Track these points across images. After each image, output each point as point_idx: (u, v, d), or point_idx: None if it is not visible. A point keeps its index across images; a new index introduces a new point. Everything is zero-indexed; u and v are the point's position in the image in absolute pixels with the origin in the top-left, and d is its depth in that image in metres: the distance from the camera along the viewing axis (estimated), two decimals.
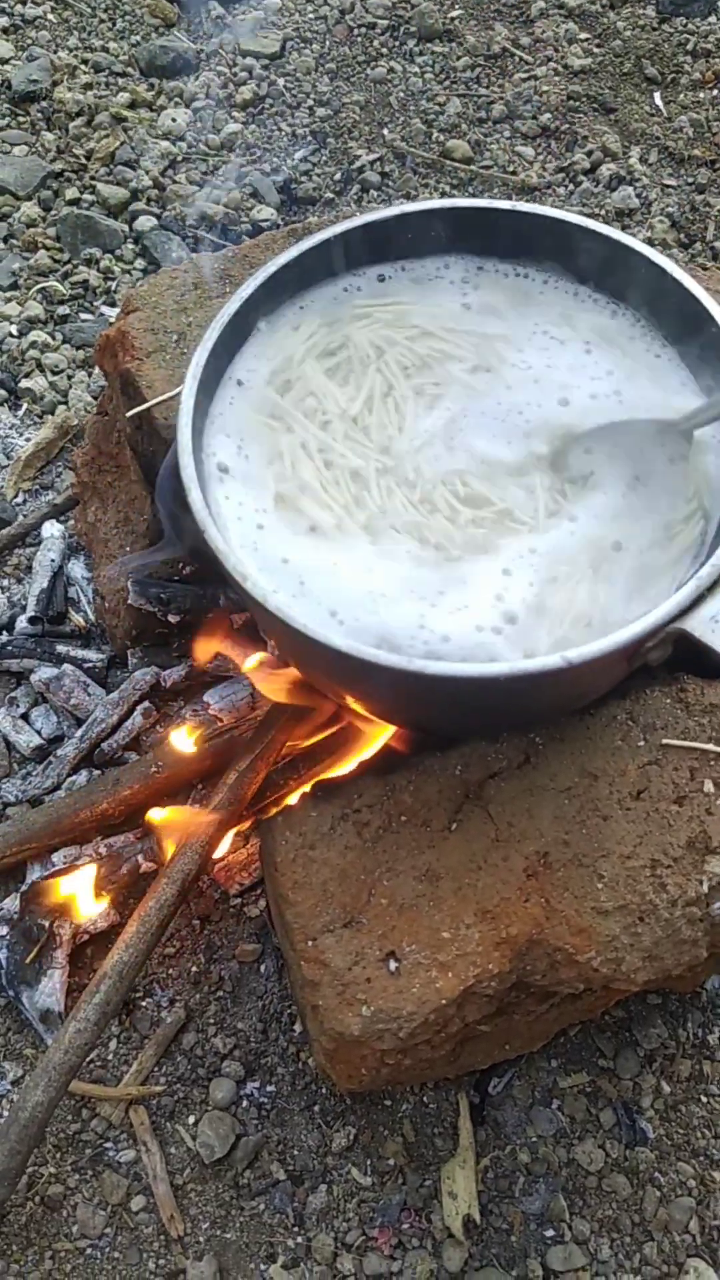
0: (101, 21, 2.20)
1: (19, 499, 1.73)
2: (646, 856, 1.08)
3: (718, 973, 1.39)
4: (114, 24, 2.20)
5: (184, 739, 1.32)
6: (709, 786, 1.11)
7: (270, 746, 1.33)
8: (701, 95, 2.17)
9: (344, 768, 1.20)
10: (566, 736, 1.14)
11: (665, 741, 1.14)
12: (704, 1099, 1.35)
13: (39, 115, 2.02)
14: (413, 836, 1.09)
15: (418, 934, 1.05)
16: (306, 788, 1.19)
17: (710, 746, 1.13)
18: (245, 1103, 1.32)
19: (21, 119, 2.02)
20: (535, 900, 1.06)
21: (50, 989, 1.34)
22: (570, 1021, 1.29)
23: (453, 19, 2.26)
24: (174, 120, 2.04)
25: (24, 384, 1.77)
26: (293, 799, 1.19)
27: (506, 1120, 1.32)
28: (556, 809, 1.10)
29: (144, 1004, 1.38)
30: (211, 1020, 1.37)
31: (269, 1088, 1.33)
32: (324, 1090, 1.32)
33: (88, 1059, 1.36)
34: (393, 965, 1.04)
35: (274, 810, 1.18)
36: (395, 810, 1.11)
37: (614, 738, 1.14)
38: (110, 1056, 1.36)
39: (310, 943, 1.05)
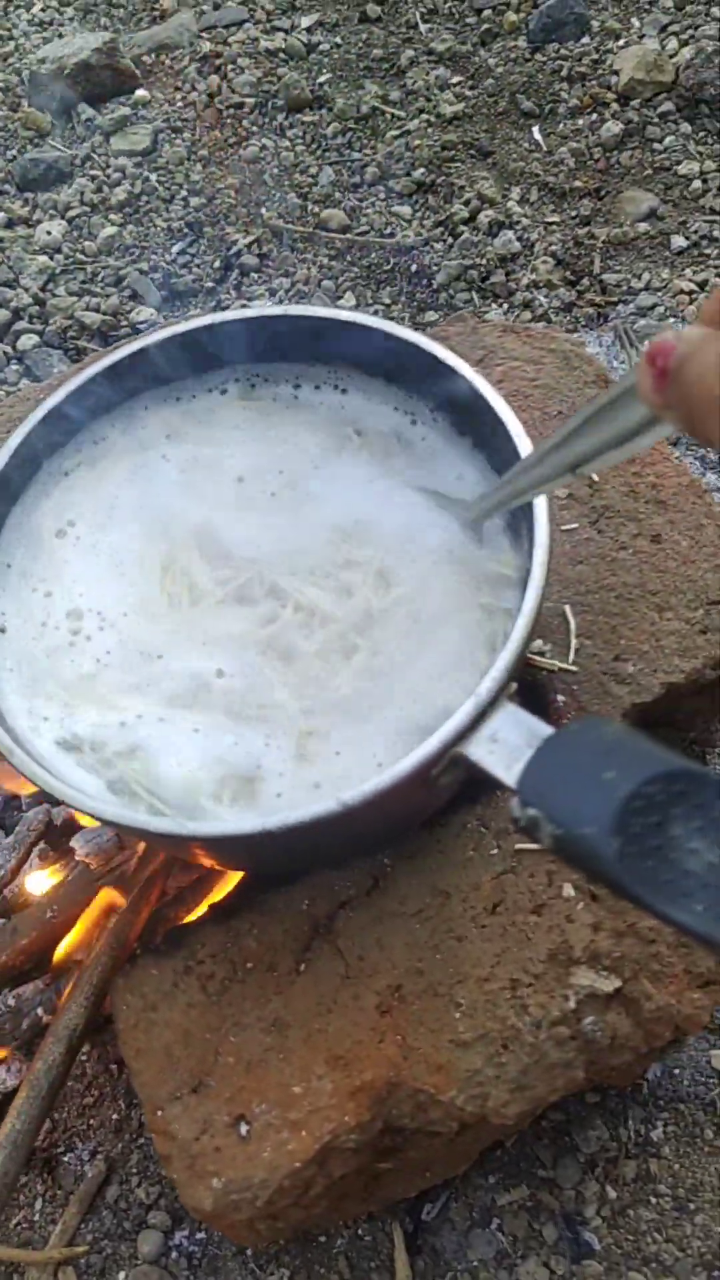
0: None
1: None
2: (505, 977, 1.01)
3: (658, 1060, 1.31)
4: None
5: (43, 882, 1.29)
6: (568, 890, 1.05)
7: (149, 886, 1.28)
8: (580, 122, 2.10)
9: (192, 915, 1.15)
10: (417, 853, 1.08)
11: (520, 846, 1.07)
12: (652, 1199, 1.26)
13: None
14: (259, 984, 1.04)
15: (267, 1092, 0.99)
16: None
17: None
18: (174, 1254, 1.27)
19: None
20: (390, 1039, 1.00)
21: None
22: (492, 1140, 1.22)
23: (321, 84, 2.22)
24: (49, 234, 2.03)
25: None
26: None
27: (445, 1246, 1.24)
28: (408, 935, 1.04)
29: (66, 1159, 1.33)
30: (134, 1169, 1.32)
31: (198, 1235, 1.28)
32: None
33: (10, 1223, 1.32)
34: (243, 1129, 0.98)
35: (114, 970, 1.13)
36: (240, 957, 1.05)
37: (466, 848, 1.08)
38: (36, 1217, 1.31)
39: (158, 1113, 1.00)
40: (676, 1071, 1.32)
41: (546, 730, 0.82)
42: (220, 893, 1.24)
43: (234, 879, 1.24)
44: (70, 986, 1.26)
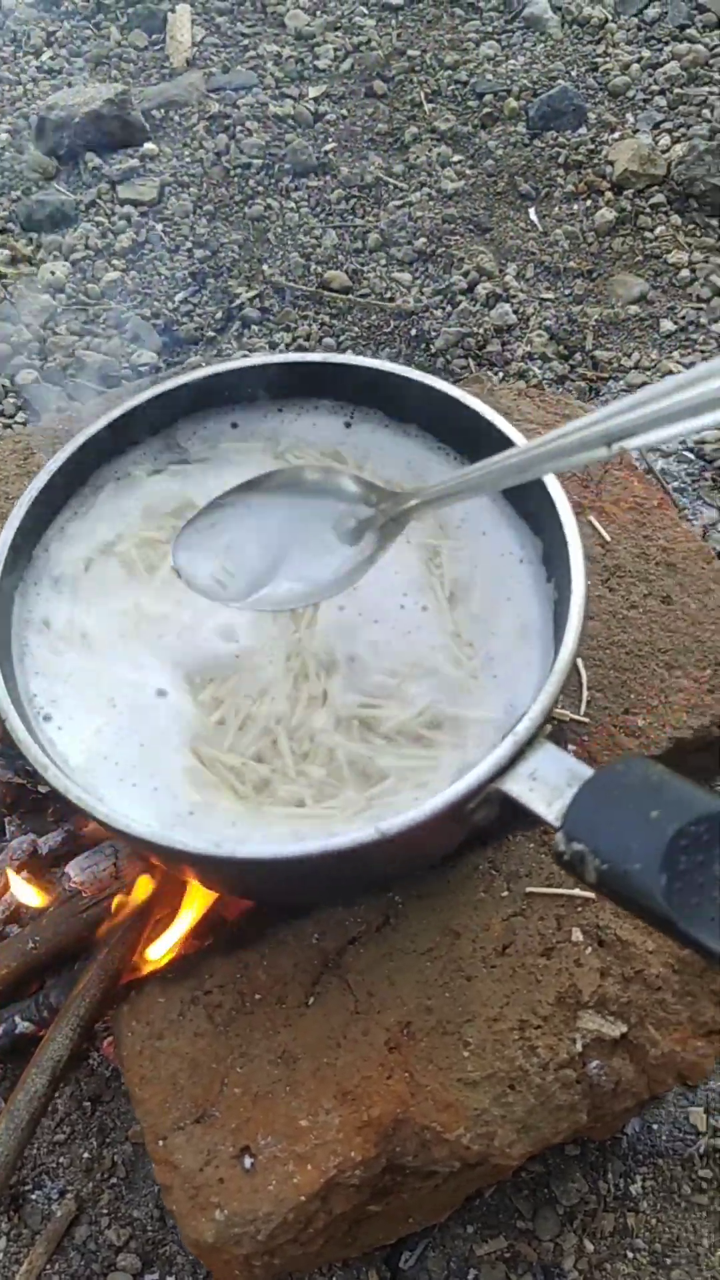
0: None
1: None
2: (514, 1018, 1.02)
3: (636, 1115, 1.32)
4: None
5: (31, 897, 1.28)
6: (577, 935, 1.07)
7: (144, 918, 1.27)
8: (575, 207, 2.20)
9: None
10: (427, 892, 1.09)
11: (530, 889, 1.09)
12: (629, 1254, 1.27)
13: None
14: (268, 1016, 1.04)
15: (273, 1124, 0.99)
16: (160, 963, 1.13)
17: (577, 892, 1.09)
18: None
19: None
20: (398, 1075, 1.00)
21: None
22: (476, 1188, 1.22)
23: (326, 152, 2.30)
24: (53, 274, 2.07)
25: None
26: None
27: None
28: (418, 973, 1.05)
29: (33, 1197, 1.30)
30: (105, 1210, 1.29)
31: (168, 1278, 1.25)
32: None
33: None
34: (248, 1162, 0.98)
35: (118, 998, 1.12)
36: (249, 989, 1.05)
37: (477, 889, 1.09)
38: (0, 1256, 1.28)
39: (160, 1143, 0.99)
40: (655, 1127, 1.33)
41: (586, 771, 0.84)
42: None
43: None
44: (57, 1017, 1.24)
